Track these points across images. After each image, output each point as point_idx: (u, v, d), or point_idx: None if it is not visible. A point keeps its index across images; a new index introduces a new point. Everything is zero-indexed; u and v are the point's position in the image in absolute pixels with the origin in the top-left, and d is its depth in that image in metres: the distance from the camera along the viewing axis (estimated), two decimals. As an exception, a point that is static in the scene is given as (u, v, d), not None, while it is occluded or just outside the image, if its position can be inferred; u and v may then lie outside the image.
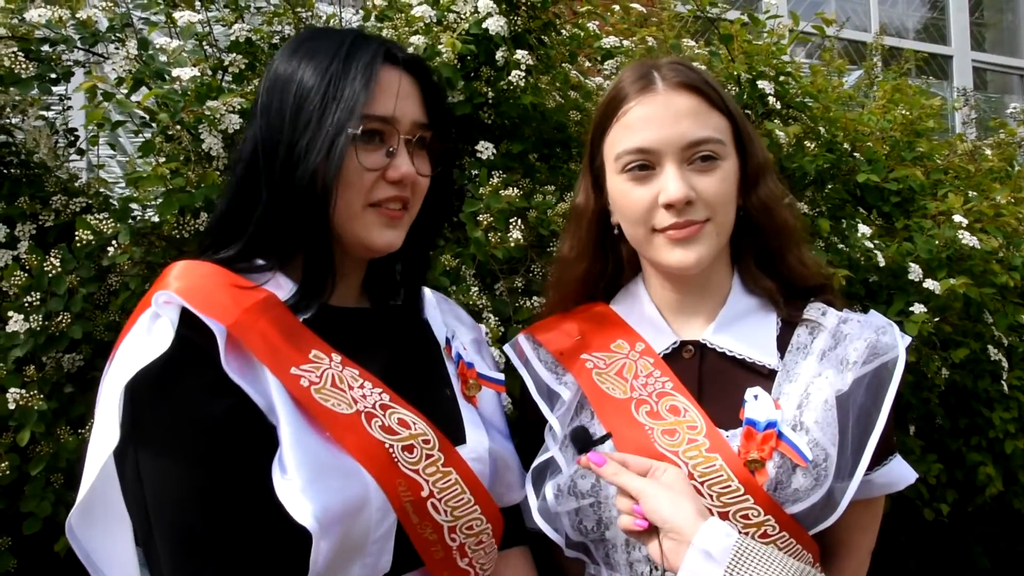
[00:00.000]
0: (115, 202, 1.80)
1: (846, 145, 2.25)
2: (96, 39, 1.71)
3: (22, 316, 1.68)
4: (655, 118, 1.28)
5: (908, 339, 1.33)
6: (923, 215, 2.28)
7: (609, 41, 2.28)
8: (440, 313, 1.40)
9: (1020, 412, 2.56)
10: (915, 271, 2.06)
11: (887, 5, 5.94)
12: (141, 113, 1.87)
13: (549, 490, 1.32)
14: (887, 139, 2.40)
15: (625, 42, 2.33)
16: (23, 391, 1.62)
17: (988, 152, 2.86)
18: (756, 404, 1.24)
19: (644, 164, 1.28)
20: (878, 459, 1.30)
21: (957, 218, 2.11)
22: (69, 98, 1.95)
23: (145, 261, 1.75)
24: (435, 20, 1.89)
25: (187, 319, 1.05)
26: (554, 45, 2.06)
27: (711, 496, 1.20)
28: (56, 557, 1.74)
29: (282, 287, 1.17)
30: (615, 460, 1.15)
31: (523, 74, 1.86)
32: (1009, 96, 6.16)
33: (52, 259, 1.70)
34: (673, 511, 1.06)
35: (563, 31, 2.08)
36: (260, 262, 1.18)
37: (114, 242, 1.70)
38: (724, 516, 1.19)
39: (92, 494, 1.04)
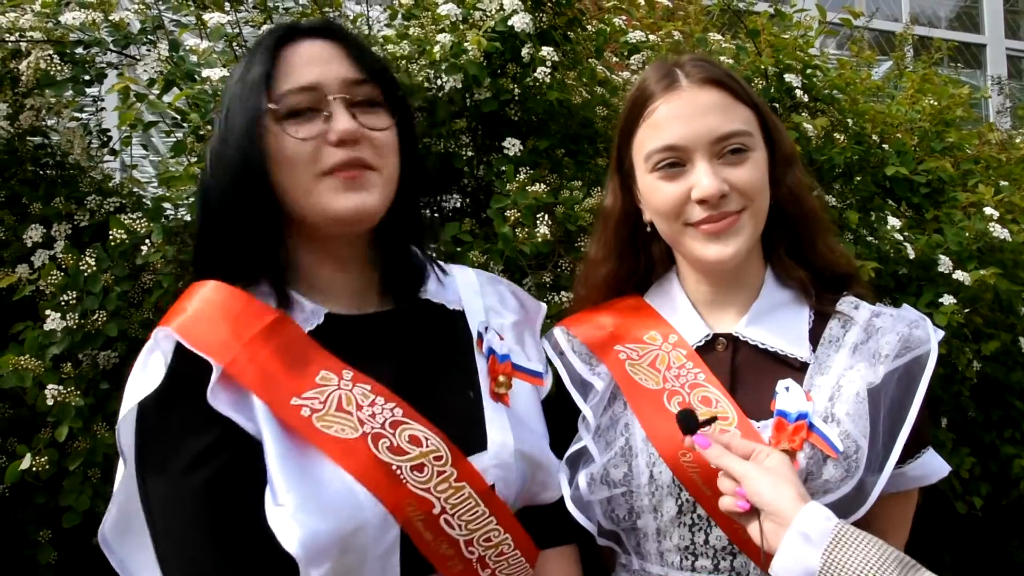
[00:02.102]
0: (148, 202, 1.82)
1: (874, 137, 2.23)
2: (128, 41, 1.73)
3: (59, 314, 1.71)
4: (682, 115, 1.30)
5: (941, 333, 1.33)
6: (953, 206, 2.26)
7: (635, 36, 2.27)
8: (482, 297, 1.37)
9: (1055, 405, 2.53)
10: (945, 263, 2.04)
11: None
12: (173, 114, 1.90)
13: (582, 479, 1.33)
14: (916, 130, 2.37)
15: (651, 36, 2.33)
16: (61, 387, 1.65)
17: (1019, 140, 2.81)
18: (787, 395, 1.25)
19: (675, 161, 1.30)
20: (910, 452, 1.31)
21: (988, 210, 2.09)
22: (102, 99, 1.99)
23: (178, 259, 1.78)
24: (461, 18, 1.90)
25: (181, 350, 1.08)
26: (580, 41, 2.06)
27: None
28: (95, 550, 1.77)
29: (288, 298, 1.18)
30: (719, 443, 1.16)
31: (549, 70, 1.86)
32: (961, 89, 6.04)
33: (87, 258, 1.73)
34: (774, 494, 1.07)
35: (589, 27, 2.08)
36: (264, 280, 1.18)
37: (147, 241, 1.73)
38: None
39: (123, 508, 1.10)
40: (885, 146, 2.28)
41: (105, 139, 2.00)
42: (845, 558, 0.99)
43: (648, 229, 1.42)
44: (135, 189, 1.98)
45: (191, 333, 1.09)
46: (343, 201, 1.14)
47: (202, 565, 1.04)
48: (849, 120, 2.16)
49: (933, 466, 1.36)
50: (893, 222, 2.04)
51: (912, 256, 2.02)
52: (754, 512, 1.10)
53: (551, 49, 1.87)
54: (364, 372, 1.15)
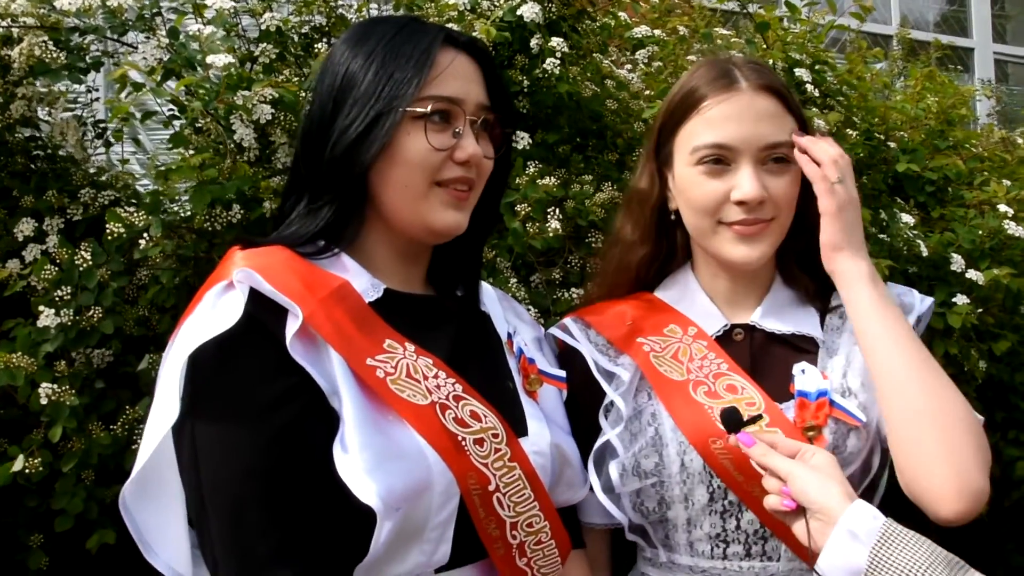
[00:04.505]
0: (146, 196, 1.76)
1: (880, 135, 2.21)
2: (125, 28, 1.67)
3: (53, 311, 1.65)
4: (737, 116, 1.32)
5: (929, 300, 1.42)
6: (960, 204, 2.24)
7: (641, 30, 2.24)
8: (501, 309, 1.39)
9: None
10: (957, 261, 2.02)
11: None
12: (171, 105, 1.84)
13: (613, 470, 1.33)
14: (921, 128, 2.36)
15: (656, 32, 2.29)
16: (55, 386, 1.59)
17: (1021, 141, 2.81)
18: (804, 377, 1.30)
19: (720, 159, 1.32)
20: None
21: (1002, 207, 2.07)
22: (96, 90, 1.92)
23: (176, 254, 1.72)
24: (468, 7, 1.86)
25: (254, 298, 1.04)
26: (586, 34, 2.03)
27: None
28: (88, 555, 1.72)
29: (348, 269, 1.16)
30: (764, 441, 1.16)
31: (558, 62, 1.83)
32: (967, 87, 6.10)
33: (83, 253, 1.67)
34: (821, 492, 1.06)
35: (596, 20, 2.04)
36: (322, 243, 1.16)
37: (145, 235, 1.67)
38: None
39: (147, 469, 1.03)
40: (891, 144, 2.26)
41: (99, 130, 1.93)
42: (893, 556, 0.98)
43: (672, 217, 1.44)
44: (130, 182, 1.92)
45: (274, 278, 1.05)
46: (446, 217, 1.17)
47: (249, 523, 0.99)
48: (856, 118, 2.14)
49: None
50: (906, 219, 2.02)
51: (925, 254, 2.00)
52: (800, 511, 1.09)
53: (561, 40, 1.84)
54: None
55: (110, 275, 1.70)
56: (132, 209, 1.71)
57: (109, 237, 1.66)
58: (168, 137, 1.85)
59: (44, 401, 1.58)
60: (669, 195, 1.43)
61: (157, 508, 1.07)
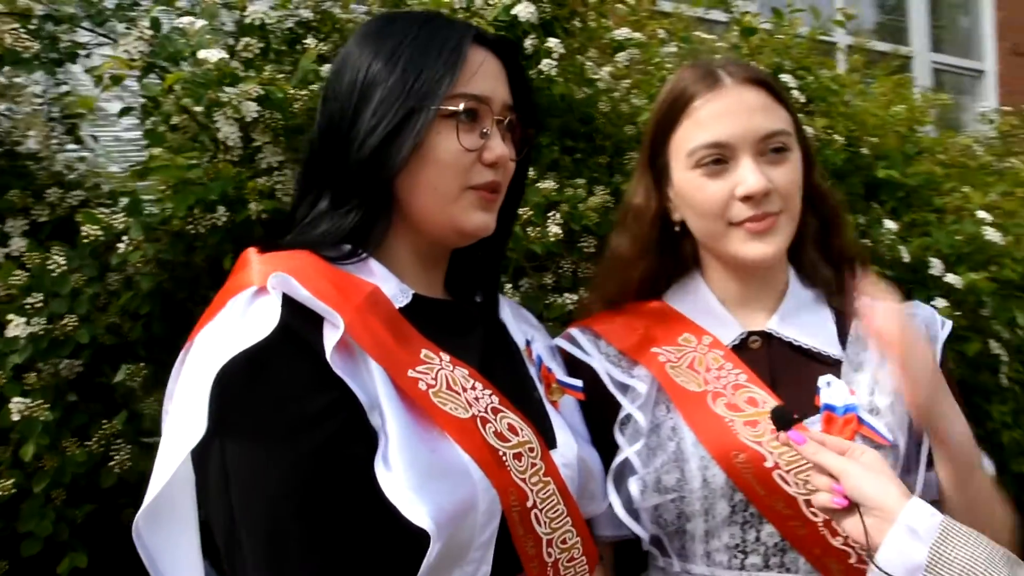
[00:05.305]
0: (122, 195, 1.66)
1: (858, 139, 2.24)
2: (103, 18, 1.57)
3: (23, 319, 1.55)
4: (728, 112, 1.29)
5: (949, 324, 1.42)
6: (933, 209, 2.29)
7: (621, 33, 2.21)
8: (513, 318, 1.34)
9: (1016, 404, 2.61)
10: (936, 266, 2.06)
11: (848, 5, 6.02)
12: (129, 100, 1.75)
13: (634, 487, 1.30)
14: (891, 134, 2.40)
15: (636, 34, 2.27)
16: (28, 400, 1.48)
17: (978, 149, 2.89)
18: (830, 390, 1.25)
19: (719, 158, 1.29)
20: None
21: (981, 213, 2.12)
22: (66, 83, 1.80)
23: (156, 258, 1.62)
24: (463, 6, 1.80)
25: (288, 305, 0.96)
26: (575, 35, 2.00)
27: (798, 484, 1.22)
28: (59, 581, 1.62)
29: (375, 274, 1.10)
30: (815, 439, 1.14)
31: (555, 63, 1.79)
32: (961, 97, 6.30)
33: (55, 256, 1.57)
34: (878, 489, 1.06)
35: (587, 21, 2.01)
36: (347, 247, 1.10)
37: (124, 238, 1.58)
38: (810, 504, 1.20)
39: (163, 489, 0.94)
40: (863, 149, 2.29)
41: (69, 125, 1.81)
42: (953, 552, 0.98)
43: (677, 229, 1.41)
44: (101, 182, 1.81)
45: (310, 283, 0.98)
46: (475, 219, 1.13)
47: (287, 550, 0.92)
48: (839, 123, 2.17)
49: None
50: (889, 225, 2.05)
51: (907, 259, 2.03)
52: (850, 509, 1.08)
53: (557, 41, 1.80)
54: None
55: (85, 281, 1.59)
56: (107, 210, 1.61)
57: (85, 240, 1.56)
58: (143, 134, 1.75)
59: (16, 417, 1.48)
60: (670, 207, 1.40)
61: (169, 535, 0.99)
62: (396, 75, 1.09)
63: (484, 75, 1.13)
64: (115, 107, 2.30)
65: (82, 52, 1.69)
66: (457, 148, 1.09)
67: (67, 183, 1.78)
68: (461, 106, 1.09)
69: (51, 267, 1.56)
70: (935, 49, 6.36)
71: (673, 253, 1.44)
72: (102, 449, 1.61)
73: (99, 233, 1.55)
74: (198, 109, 1.61)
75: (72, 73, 1.88)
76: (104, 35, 1.68)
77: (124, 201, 1.63)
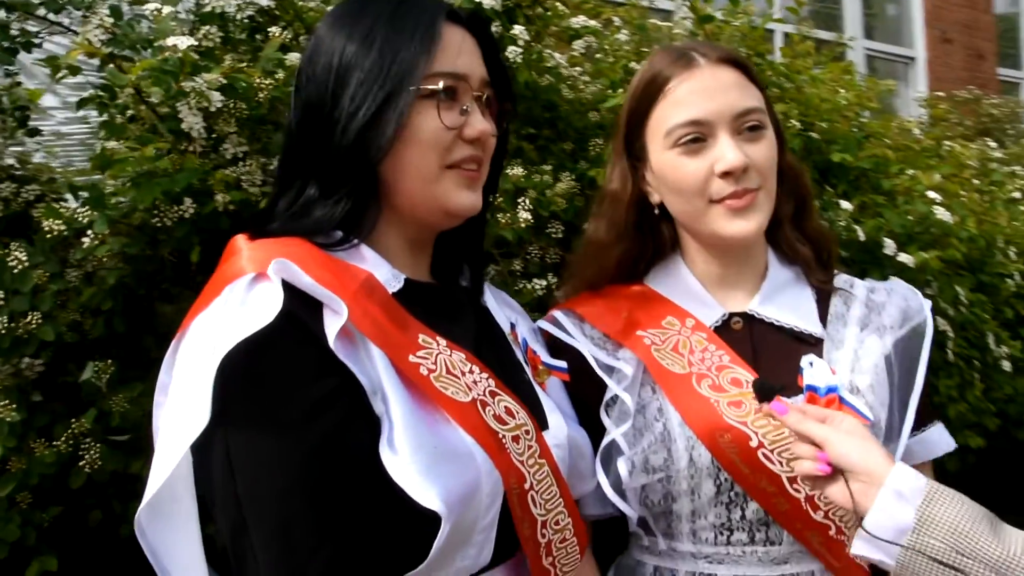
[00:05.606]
0: (82, 191, 1.61)
1: (813, 128, 2.29)
2: (59, 5, 1.52)
3: (-16, 318, 1.50)
4: (704, 91, 1.30)
5: (929, 303, 1.42)
6: (879, 192, 2.36)
7: (578, 21, 2.23)
8: (496, 302, 1.34)
9: (961, 379, 2.71)
10: (890, 246, 2.13)
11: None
12: (100, 92, 1.69)
13: (622, 467, 1.31)
14: (841, 119, 2.46)
15: (591, 22, 2.29)
16: (-7, 401, 1.45)
17: (917, 132, 2.99)
18: (813, 370, 1.27)
19: (697, 136, 1.30)
20: (919, 424, 1.37)
21: (931, 194, 2.19)
22: (18, 72, 1.74)
23: (122, 253, 1.59)
24: (427, -8, 1.79)
25: (288, 291, 0.95)
26: (535, 22, 2.00)
27: (781, 462, 1.24)
28: (28, 586, 1.57)
29: (367, 260, 1.09)
30: (796, 409, 1.15)
31: (520, 51, 1.80)
32: (893, 82, 6.50)
33: (16, 253, 1.52)
34: (863, 455, 1.08)
35: (548, 9, 2.02)
36: (339, 234, 1.09)
37: (88, 232, 1.54)
38: (793, 482, 1.24)
39: (165, 482, 0.92)
40: (814, 134, 2.35)
41: (22, 116, 1.75)
42: (938, 512, 1.01)
43: (656, 212, 1.42)
44: (57, 176, 1.76)
45: (310, 270, 0.97)
46: (461, 198, 1.13)
47: (297, 540, 0.91)
48: (792, 108, 2.22)
49: (939, 438, 1.44)
50: (845, 206, 2.10)
51: (863, 239, 2.09)
52: (834, 475, 1.10)
53: (522, 28, 1.80)
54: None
55: (48, 277, 1.55)
56: (67, 205, 1.57)
57: (48, 235, 1.52)
58: (100, 125, 1.71)
59: (-19, 418, 1.43)
60: (648, 190, 1.41)
61: (171, 527, 0.97)
62: (372, 57, 1.08)
63: (460, 52, 1.12)
64: (51, 101, 2.24)
65: (35, 41, 1.64)
66: (438, 126, 1.09)
67: (20, 178, 1.72)
68: (440, 84, 1.08)
69: (12, 264, 1.51)
70: (868, 36, 6.54)
71: (652, 236, 1.45)
72: (70, 449, 1.57)
73: (62, 228, 1.51)
74: (155, 100, 1.57)
75: (18, 63, 1.82)
76: (59, 24, 1.63)
77: (85, 195, 1.58)
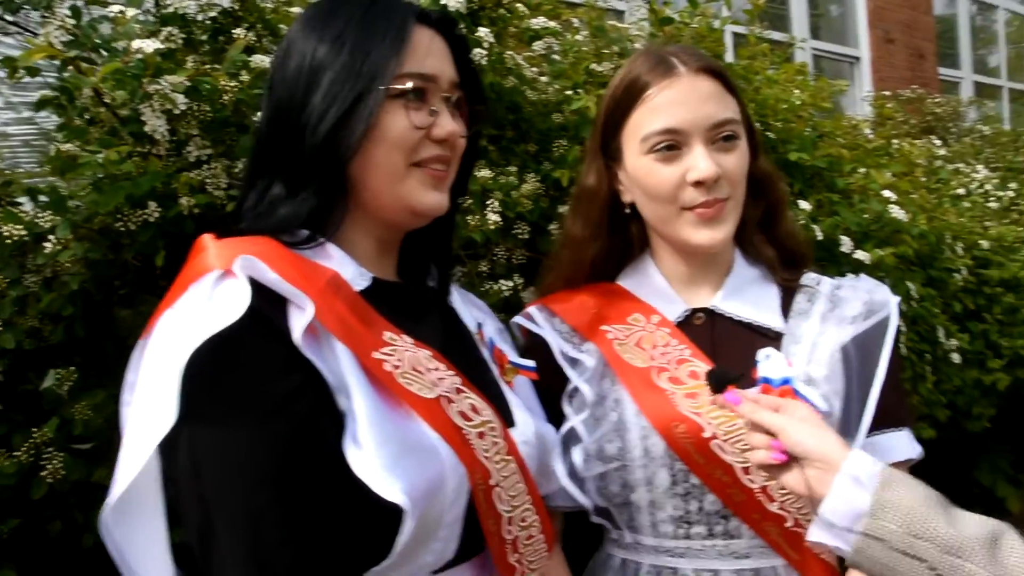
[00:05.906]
0: (41, 195, 1.58)
1: (770, 128, 2.33)
2: (14, 5, 1.49)
3: (-59, 326, 1.46)
4: (682, 101, 1.34)
5: (897, 298, 1.43)
6: (832, 190, 2.42)
7: (538, 22, 2.24)
8: (462, 303, 1.36)
9: (913, 371, 2.79)
10: (846, 243, 2.18)
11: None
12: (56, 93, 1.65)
13: (577, 455, 1.35)
14: (796, 119, 2.51)
15: (551, 23, 2.30)
16: (-48, 412, 1.41)
17: (868, 131, 3.06)
18: (768, 363, 1.29)
19: (672, 144, 1.33)
20: (886, 423, 1.37)
21: (886, 192, 2.25)
22: (-30, 75, 1.69)
23: (85, 257, 1.56)
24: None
25: (254, 289, 0.96)
26: (497, 23, 2.01)
27: (735, 453, 1.28)
28: (-10, 599, 1.54)
29: (333, 258, 1.10)
30: (749, 399, 1.17)
31: (485, 53, 1.80)
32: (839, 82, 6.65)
33: (-27, 259, 1.49)
34: (819, 442, 1.09)
35: (509, 11, 2.03)
36: (305, 233, 1.10)
37: (50, 237, 1.50)
38: (747, 472, 1.28)
39: (132, 481, 0.91)
40: (770, 134, 2.39)
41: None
42: (894, 497, 1.03)
43: (627, 211, 1.45)
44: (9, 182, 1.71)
45: (276, 267, 0.98)
46: (427, 198, 1.15)
47: (264, 536, 0.91)
48: (750, 108, 2.25)
49: (902, 444, 1.40)
50: (804, 205, 2.15)
51: (820, 237, 2.14)
52: (788, 463, 1.12)
53: (487, 31, 1.81)
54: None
55: (7, 283, 1.52)
56: (24, 209, 1.53)
57: (7, 240, 1.48)
58: (57, 128, 1.67)
59: (-60, 429, 1.40)
60: (620, 189, 1.45)
61: (137, 527, 0.97)
62: (343, 58, 1.09)
63: (429, 53, 1.14)
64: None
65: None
66: (406, 125, 1.10)
67: (-25, 182, 1.68)
68: (409, 85, 1.10)
69: (-31, 270, 1.47)
70: (814, 36, 6.67)
71: (623, 234, 1.49)
72: (31, 459, 1.53)
73: (23, 233, 1.47)
74: (116, 103, 1.54)
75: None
76: (15, 24, 1.59)
77: (44, 199, 1.55)
